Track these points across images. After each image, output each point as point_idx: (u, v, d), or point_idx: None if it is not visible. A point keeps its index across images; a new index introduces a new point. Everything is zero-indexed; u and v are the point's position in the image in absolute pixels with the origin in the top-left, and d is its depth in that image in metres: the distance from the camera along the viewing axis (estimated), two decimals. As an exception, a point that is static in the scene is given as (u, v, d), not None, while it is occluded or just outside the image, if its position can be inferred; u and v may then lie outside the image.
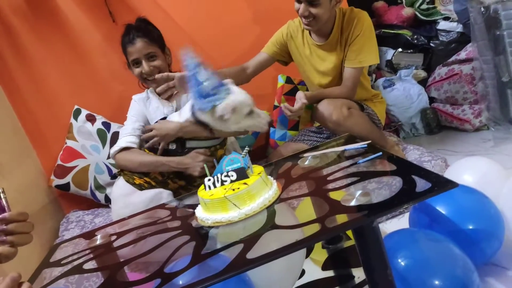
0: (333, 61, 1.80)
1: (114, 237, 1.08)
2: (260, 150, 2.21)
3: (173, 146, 1.59)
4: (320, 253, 1.22)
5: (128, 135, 1.67)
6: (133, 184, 1.58)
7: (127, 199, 1.57)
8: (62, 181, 2.04)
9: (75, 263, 1.01)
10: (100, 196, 2.08)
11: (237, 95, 1.42)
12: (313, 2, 1.60)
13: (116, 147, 1.64)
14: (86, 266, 0.98)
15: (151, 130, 1.59)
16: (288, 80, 2.20)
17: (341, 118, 1.61)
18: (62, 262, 1.04)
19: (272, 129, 2.20)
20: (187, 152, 1.56)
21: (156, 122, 1.66)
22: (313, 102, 1.68)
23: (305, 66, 1.89)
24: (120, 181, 1.62)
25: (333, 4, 1.65)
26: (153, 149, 1.60)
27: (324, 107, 1.63)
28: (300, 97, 1.58)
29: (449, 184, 0.74)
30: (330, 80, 1.84)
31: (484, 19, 1.93)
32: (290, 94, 2.17)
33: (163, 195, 1.54)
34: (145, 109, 1.75)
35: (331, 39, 1.76)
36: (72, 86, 2.10)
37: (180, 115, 1.58)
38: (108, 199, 2.09)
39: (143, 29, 1.70)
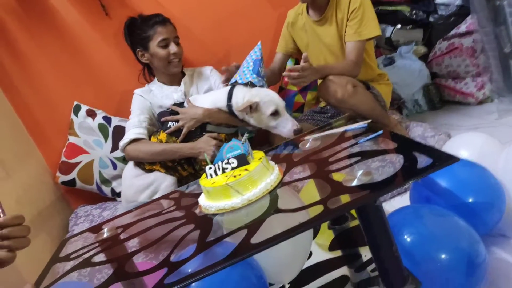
0: (332, 35, 1.80)
1: (120, 230, 1.09)
2: (264, 131, 2.20)
3: (192, 128, 1.61)
4: (326, 234, 1.23)
5: (135, 127, 1.69)
6: (143, 169, 1.67)
7: (132, 180, 1.67)
8: (67, 177, 2.05)
9: (85, 256, 1.02)
10: (106, 190, 2.10)
11: (265, 93, 1.50)
12: None
13: (125, 139, 1.67)
14: (95, 259, 0.99)
15: (176, 113, 1.62)
16: (297, 63, 2.18)
17: (346, 95, 1.61)
18: (71, 257, 1.06)
19: None
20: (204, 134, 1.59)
21: (169, 108, 1.68)
22: (318, 75, 1.67)
23: (308, 47, 1.90)
24: (130, 163, 1.73)
25: None
26: (173, 133, 1.62)
27: (329, 84, 1.63)
28: (304, 57, 1.56)
29: (450, 159, 0.74)
30: (335, 59, 1.85)
31: (483, -11, 1.89)
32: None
33: (165, 180, 1.60)
34: (149, 101, 1.77)
35: (326, 12, 1.78)
36: (70, 83, 2.10)
37: (206, 98, 1.63)
38: (114, 193, 2.10)
39: (168, 18, 1.76)
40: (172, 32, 1.73)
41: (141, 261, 1.37)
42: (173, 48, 1.71)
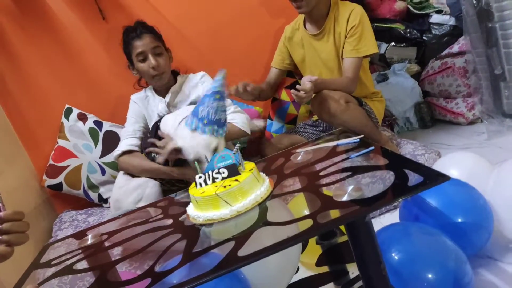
0: (329, 50, 1.81)
1: (105, 237, 1.07)
2: (256, 142, 2.20)
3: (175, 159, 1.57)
4: (314, 250, 1.22)
5: (129, 137, 1.70)
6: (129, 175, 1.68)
7: (125, 181, 1.67)
8: (54, 181, 2.02)
9: (67, 263, 0.99)
10: (93, 195, 2.06)
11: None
12: None
13: (118, 150, 1.69)
14: (77, 266, 0.96)
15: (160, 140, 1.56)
16: (290, 74, 2.19)
17: (338, 111, 1.61)
18: (52, 263, 1.03)
19: (269, 121, 2.20)
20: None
21: (156, 124, 1.65)
22: (317, 89, 1.67)
23: (304, 61, 1.91)
24: (121, 172, 1.73)
25: None
26: (149, 156, 1.61)
27: (322, 98, 1.63)
28: (308, 79, 1.55)
29: (441, 178, 0.74)
30: (330, 74, 1.87)
31: (476, 12, 1.93)
32: (291, 88, 2.17)
33: (149, 184, 1.60)
34: (144, 108, 1.76)
35: (325, 26, 1.79)
36: (63, 85, 2.08)
37: (176, 117, 1.57)
38: (101, 199, 2.07)
39: (148, 27, 1.72)
40: (149, 43, 1.66)
41: (124, 271, 1.34)
42: (150, 61, 1.65)
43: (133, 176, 1.69)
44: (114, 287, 0.84)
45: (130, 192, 1.63)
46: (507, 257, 1.13)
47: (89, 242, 1.07)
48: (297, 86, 1.53)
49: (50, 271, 0.97)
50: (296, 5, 1.73)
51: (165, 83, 1.75)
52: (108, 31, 2.01)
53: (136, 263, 1.38)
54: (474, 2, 1.91)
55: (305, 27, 1.88)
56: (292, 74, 2.17)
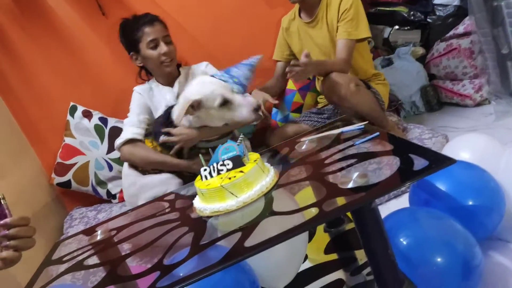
0: (323, 36, 1.83)
1: (114, 232, 1.08)
2: (262, 131, 2.19)
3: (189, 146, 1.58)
4: (322, 238, 1.22)
5: (133, 126, 1.66)
6: (136, 170, 1.64)
7: (135, 178, 1.64)
8: (63, 179, 2.04)
9: (78, 259, 1.01)
10: (102, 191, 2.08)
11: (208, 87, 1.41)
12: None
13: (121, 139, 1.63)
14: (88, 262, 0.98)
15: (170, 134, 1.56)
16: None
17: (348, 94, 1.61)
18: (64, 260, 1.04)
19: (274, 110, 2.19)
20: (197, 150, 1.55)
21: (167, 111, 1.62)
22: (317, 70, 1.69)
23: (302, 49, 1.90)
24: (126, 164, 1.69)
25: None
26: (165, 146, 1.58)
27: (333, 80, 1.63)
28: (306, 54, 1.53)
29: (447, 161, 0.73)
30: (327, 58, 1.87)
31: (481, -9, 1.89)
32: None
33: (173, 181, 1.57)
34: (148, 100, 1.74)
35: (317, 13, 1.81)
36: (66, 83, 2.09)
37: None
38: (110, 195, 2.09)
39: (156, 16, 1.71)
40: (161, 31, 1.68)
41: (135, 265, 1.35)
42: (163, 48, 1.66)
43: (140, 170, 1.66)
44: (124, 281, 0.84)
45: (150, 188, 1.59)
46: (518, 239, 1.12)
47: (98, 238, 1.08)
48: (292, 62, 1.52)
49: (63, 267, 0.99)
50: None
51: (172, 71, 1.75)
52: (108, 27, 2.01)
53: (146, 257, 1.39)
54: (479, -20, 1.87)
55: (300, 16, 1.88)
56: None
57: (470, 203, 1.06)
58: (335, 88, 1.61)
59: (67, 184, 2.05)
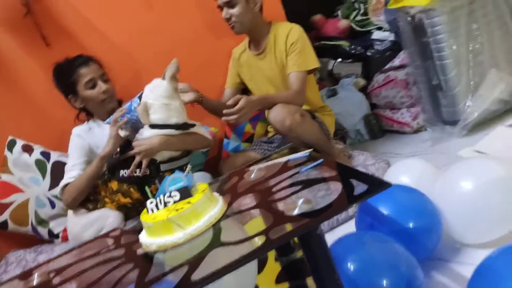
0: (272, 68, 1.89)
1: (53, 274, 1.01)
2: (213, 162, 2.18)
3: (147, 172, 1.55)
4: (273, 267, 1.21)
5: (71, 171, 1.64)
6: (87, 208, 1.64)
7: (78, 219, 1.64)
8: (-2, 220, 1.89)
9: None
10: (43, 231, 1.94)
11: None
12: (229, 3, 1.76)
13: (60, 185, 1.63)
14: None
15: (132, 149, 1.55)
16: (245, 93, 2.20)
17: (294, 124, 1.65)
18: (-6, 308, 0.95)
19: (226, 140, 2.20)
20: (162, 176, 1.53)
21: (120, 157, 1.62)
22: (259, 106, 1.72)
23: (251, 80, 1.95)
24: None
25: (251, 6, 1.80)
26: (130, 178, 1.55)
27: (278, 111, 1.67)
28: (236, 99, 1.60)
29: (384, 185, 0.77)
30: (276, 91, 1.93)
31: (412, 28, 2.07)
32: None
33: (110, 215, 1.57)
34: (89, 140, 1.70)
35: (265, 46, 1.88)
36: (5, 116, 1.97)
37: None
38: (52, 234, 1.96)
39: (90, 56, 1.72)
40: (97, 70, 1.69)
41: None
42: (102, 86, 1.67)
43: (86, 207, 1.63)
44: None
45: (91, 225, 1.58)
46: (456, 257, 1.18)
47: (35, 282, 1.00)
48: (225, 111, 1.57)
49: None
50: (230, 26, 1.82)
51: (114, 107, 1.73)
52: (52, 58, 1.93)
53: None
54: (409, 19, 2.05)
55: (250, 48, 1.94)
56: (247, 92, 2.21)
57: (411, 225, 1.12)
58: (281, 119, 1.66)
59: (3, 225, 1.89)
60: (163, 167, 1.58)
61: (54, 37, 1.98)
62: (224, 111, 1.58)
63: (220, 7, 1.80)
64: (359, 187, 0.81)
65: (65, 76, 1.67)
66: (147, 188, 1.04)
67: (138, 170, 1.54)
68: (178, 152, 1.60)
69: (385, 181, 0.79)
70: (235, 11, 1.76)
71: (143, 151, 1.51)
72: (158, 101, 1.49)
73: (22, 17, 1.92)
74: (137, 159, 1.52)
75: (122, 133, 1.56)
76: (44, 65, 1.98)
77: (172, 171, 1.56)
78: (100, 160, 1.58)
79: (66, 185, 1.62)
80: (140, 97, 1.57)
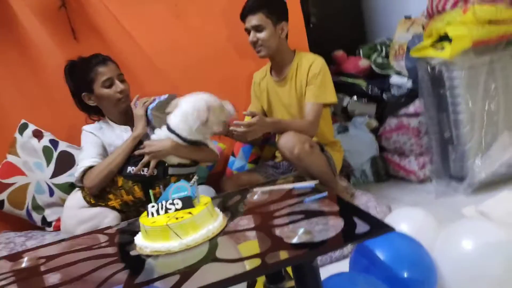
0: (291, 96, 1.90)
1: (42, 260, 1.00)
2: (216, 177, 2.18)
3: (155, 172, 1.56)
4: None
5: (89, 158, 1.63)
6: (88, 202, 1.62)
7: (75, 211, 1.62)
8: (-5, 198, 1.89)
9: (-5, 287, 0.92)
10: (37, 217, 1.94)
11: (195, 97, 1.54)
12: (258, 28, 1.79)
13: (80, 168, 1.60)
14: (6, 291, 0.89)
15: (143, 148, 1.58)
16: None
17: (302, 153, 1.65)
18: (-21, 286, 0.95)
19: (232, 158, 2.21)
20: (168, 180, 1.55)
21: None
22: (269, 128, 1.73)
23: (270, 106, 1.98)
24: (78, 193, 1.66)
25: (278, 32, 1.84)
26: (136, 176, 1.56)
27: (289, 138, 1.67)
28: (251, 114, 1.61)
29: (386, 228, 0.77)
30: (291, 118, 1.94)
31: (430, 78, 2.10)
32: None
33: (108, 215, 1.55)
34: (102, 138, 1.70)
35: (287, 73, 1.90)
36: (22, 100, 2.00)
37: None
38: (45, 221, 1.95)
39: (107, 56, 1.73)
40: (114, 70, 1.70)
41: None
42: (119, 86, 1.67)
43: (87, 200, 1.62)
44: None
45: (86, 221, 1.56)
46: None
47: (23, 265, 1.00)
48: (234, 122, 1.58)
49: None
50: (257, 50, 1.85)
51: (127, 108, 1.73)
52: (78, 52, 1.97)
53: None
54: (429, 69, 2.08)
55: (271, 74, 1.98)
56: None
57: (406, 274, 1.10)
58: (290, 146, 1.66)
59: (0, 204, 1.90)
60: (170, 171, 1.58)
61: (83, 33, 2.03)
62: (235, 122, 1.59)
63: (248, 31, 1.84)
64: (361, 226, 0.82)
65: (82, 73, 1.68)
66: (151, 192, 1.04)
67: (145, 169, 1.55)
68: (188, 160, 1.62)
69: (388, 224, 0.79)
70: (262, 35, 1.80)
71: (152, 152, 1.54)
72: (193, 117, 1.49)
73: (57, 9, 1.98)
74: (146, 158, 1.54)
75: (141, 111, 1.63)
76: (69, 57, 2.00)
77: (178, 176, 1.57)
78: (133, 140, 1.58)
79: (88, 168, 1.59)
80: (171, 98, 1.60)
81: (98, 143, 1.68)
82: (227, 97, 2.18)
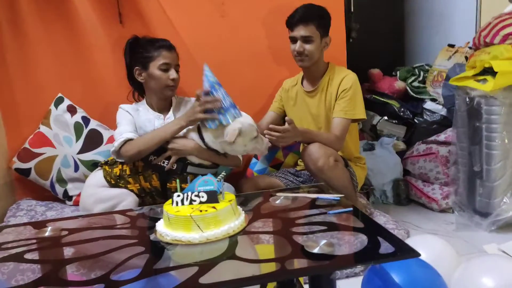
0: (320, 107, 1.90)
1: (65, 232, 1.03)
2: (236, 176, 2.19)
3: (174, 166, 1.60)
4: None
5: (127, 132, 1.66)
6: (108, 182, 1.66)
7: (96, 189, 1.65)
8: (24, 165, 1.95)
9: (17, 250, 0.95)
10: (59, 189, 1.99)
11: (245, 118, 1.52)
12: (307, 38, 1.78)
13: (120, 139, 1.62)
14: (27, 256, 0.92)
15: (162, 150, 1.61)
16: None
17: (325, 166, 1.65)
18: (2, 247, 0.98)
19: (254, 160, 2.21)
20: (186, 176, 1.54)
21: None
22: (299, 138, 1.71)
23: (295, 115, 1.97)
24: (99, 172, 1.71)
25: (323, 45, 1.84)
26: (155, 166, 1.61)
27: (314, 150, 1.67)
28: (288, 121, 1.60)
29: (412, 253, 0.75)
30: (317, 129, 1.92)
31: (467, 109, 2.04)
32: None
33: (127, 198, 1.58)
34: (135, 119, 1.75)
35: (319, 86, 1.90)
36: (62, 74, 2.06)
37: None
38: (66, 195, 2.00)
39: (174, 46, 1.78)
40: (175, 59, 1.75)
41: (71, 273, 1.28)
42: (173, 73, 1.72)
43: (108, 180, 1.66)
44: (64, 285, 0.80)
45: (105, 200, 1.59)
46: None
47: (46, 234, 1.03)
48: (271, 126, 1.58)
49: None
50: (299, 59, 1.84)
51: (170, 97, 1.80)
52: (122, 36, 2.03)
53: (85, 268, 1.32)
54: (467, 99, 2.03)
55: (302, 84, 1.97)
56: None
57: (419, 302, 1.08)
58: (315, 158, 1.65)
59: (27, 172, 1.96)
60: (189, 169, 1.62)
61: (129, 18, 2.07)
62: (270, 126, 1.58)
63: (293, 39, 1.82)
64: (384, 247, 0.80)
65: (144, 48, 1.73)
66: (178, 181, 1.05)
67: (166, 162, 1.58)
68: (208, 162, 1.64)
69: (413, 249, 0.77)
70: (310, 47, 1.79)
71: (175, 149, 1.59)
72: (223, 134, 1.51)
73: (108, -9, 2.04)
74: (167, 153, 1.59)
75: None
76: (112, 40, 2.07)
77: (195, 176, 1.57)
78: (179, 129, 1.59)
79: (128, 140, 1.62)
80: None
81: (133, 122, 1.73)
82: (255, 99, 2.21)
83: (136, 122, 1.73)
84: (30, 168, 1.95)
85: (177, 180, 1.06)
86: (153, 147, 1.59)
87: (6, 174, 2.01)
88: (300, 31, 1.78)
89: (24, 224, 1.16)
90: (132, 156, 1.60)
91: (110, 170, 1.68)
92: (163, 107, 1.79)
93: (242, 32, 2.16)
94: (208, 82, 1.53)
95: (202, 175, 1.58)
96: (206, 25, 2.13)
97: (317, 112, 1.93)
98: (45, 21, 2.00)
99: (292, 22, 1.80)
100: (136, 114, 1.75)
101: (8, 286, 1.04)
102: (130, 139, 1.62)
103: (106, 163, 1.74)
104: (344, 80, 1.84)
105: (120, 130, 1.68)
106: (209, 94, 1.53)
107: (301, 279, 1.20)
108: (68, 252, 0.97)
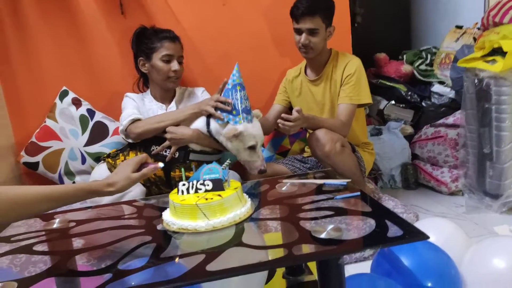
0: (325, 94, 1.88)
1: (73, 224, 1.03)
2: (240, 165, 2.19)
3: (176, 155, 1.62)
4: (279, 283, 1.19)
5: (136, 114, 1.69)
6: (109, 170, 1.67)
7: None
8: (31, 159, 1.97)
9: (26, 242, 0.95)
10: (67, 182, 2.01)
11: (252, 126, 1.52)
12: (313, 31, 1.75)
13: (130, 117, 1.66)
14: (37, 248, 0.93)
15: (161, 140, 1.63)
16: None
17: (332, 152, 1.64)
18: (12, 239, 0.99)
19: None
20: (189, 163, 1.59)
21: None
22: (306, 124, 1.70)
23: (300, 104, 1.95)
24: (103, 165, 1.73)
25: (327, 35, 1.82)
26: (156, 155, 1.62)
27: (321, 136, 1.66)
28: (297, 110, 1.59)
29: (420, 235, 0.74)
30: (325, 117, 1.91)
31: (476, 91, 2.01)
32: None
33: (134, 188, 1.57)
34: (140, 107, 1.76)
35: (323, 73, 1.88)
36: (66, 67, 2.06)
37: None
38: (74, 187, 2.02)
39: (179, 37, 1.79)
40: (178, 50, 1.75)
41: (81, 264, 1.29)
42: (174, 65, 1.72)
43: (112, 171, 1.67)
44: (73, 275, 0.80)
45: None
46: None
47: (54, 226, 1.03)
48: (283, 115, 1.57)
49: (8, 246, 0.93)
50: (304, 50, 1.81)
51: (173, 88, 1.80)
52: (124, 27, 2.02)
53: (94, 259, 1.33)
54: (476, 81, 2.00)
55: (305, 73, 1.95)
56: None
57: (430, 284, 1.07)
58: (322, 143, 1.65)
59: (35, 165, 1.97)
60: (192, 156, 1.63)
61: (131, 9, 2.06)
62: (283, 115, 1.57)
63: (298, 31, 1.79)
64: (393, 230, 0.79)
65: (149, 39, 1.73)
66: (183, 170, 1.05)
67: (168, 151, 1.59)
68: (210, 148, 1.64)
69: (422, 231, 0.76)
70: (315, 39, 1.76)
71: (174, 138, 1.60)
72: (231, 135, 1.50)
73: (109, -18, 2.02)
74: (166, 143, 1.61)
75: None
76: (113, 31, 2.06)
77: (199, 162, 1.58)
78: (191, 114, 1.61)
79: (135, 120, 1.66)
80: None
81: (138, 108, 1.74)
82: (258, 89, 2.18)
83: (141, 112, 1.74)
84: (38, 162, 1.97)
85: (182, 169, 1.06)
86: (160, 130, 1.62)
87: (14, 169, 2.03)
88: (306, 24, 1.74)
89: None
90: (141, 133, 1.64)
91: (113, 162, 1.69)
92: (166, 98, 1.80)
93: (244, 21, 2.13)
94: (232, 81, 1.55)
95: (206, 162, 1.60)
96: (208, 14, 2.11)
97: (323, 100, 1.91)
98: (46, 14, 2.00)
99: (297, 14, 1.75)
100: (141, 103, 1.76)
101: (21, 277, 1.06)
102: (138, 119, 1.65)
103: (108, 155, 1.76)
104: (347, 66, 1.82)
105: (127, 112, 1.71)
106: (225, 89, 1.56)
107: (311, 265, 1.20)
108: (77, 243, 0.98)
